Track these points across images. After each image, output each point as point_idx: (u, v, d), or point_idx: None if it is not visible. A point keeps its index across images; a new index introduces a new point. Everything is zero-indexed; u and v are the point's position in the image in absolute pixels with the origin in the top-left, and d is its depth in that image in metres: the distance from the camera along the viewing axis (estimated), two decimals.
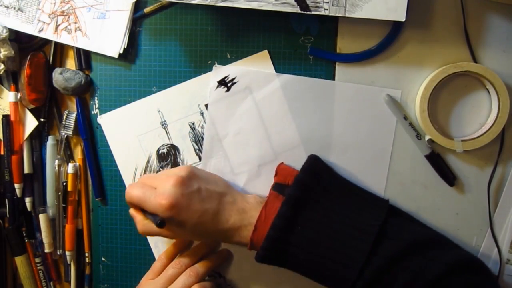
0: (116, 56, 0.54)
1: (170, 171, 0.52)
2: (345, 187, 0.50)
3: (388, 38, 0.50)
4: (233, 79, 0.53)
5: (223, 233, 0.48)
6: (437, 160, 0.51)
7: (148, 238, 0.57)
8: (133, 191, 0.49)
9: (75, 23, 0.53)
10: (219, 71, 0.53)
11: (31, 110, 0.56)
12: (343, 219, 0.46)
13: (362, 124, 0.52)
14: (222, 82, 0.53)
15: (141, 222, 0.49)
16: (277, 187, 0.49)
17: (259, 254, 0.47)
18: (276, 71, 0.53)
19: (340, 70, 0.52)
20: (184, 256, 0.53)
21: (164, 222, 0.46)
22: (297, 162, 0.51)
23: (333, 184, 0.49)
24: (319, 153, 0.51)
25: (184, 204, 0.46)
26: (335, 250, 0.45)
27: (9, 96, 0.55)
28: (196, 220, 0.47)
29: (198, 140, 0.55)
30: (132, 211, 0.51)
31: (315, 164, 0.50)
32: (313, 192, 0.47)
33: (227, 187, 0.51)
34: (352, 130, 0.52)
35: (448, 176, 0.51)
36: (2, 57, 0.52)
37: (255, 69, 0.53)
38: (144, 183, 0.50)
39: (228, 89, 0.53)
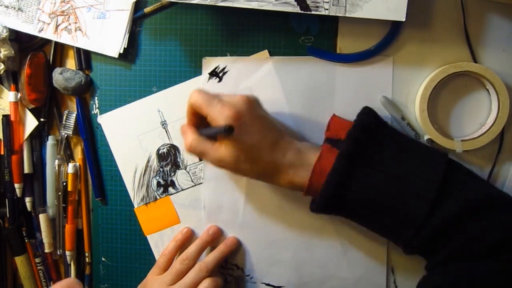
0: (116, 56, 0.54)
1: (235, 94, 0.48)
2: (401, 142, 0.47)
3: (387, 38, 0.50)
4: (223, 68, 0.53)
5: (278, 167, 0.46)
6: None
7: (148, 238, 0.57)
8: (199, 94, 0.46)
9: (75, 23, 0.54)
10: (209, 63, 0.53)
11: (31, 110, 0.56)
12: (401, 175, 0.44)
13: None
14: (213, 73, 0.53)
15: (192, 136, 0.47)
16: (329, 141, 0.47)
17: (317, 201, 0.45)
18: None
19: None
20: (189, 250, 0.53)
21: (232, 128, 0.42)
22: None
23: (388, 139, 0.46)
24: None
25: (248, 121, 0.45)
26: (393, 208, 0.43)
27: (9, 96, 0.55)
28: (254, 141, 0.45)
29: None
30: (184, 127, 0.49)
31: (367, 119, 0.47)
32: (368, 148, 0.45)
33: (284, 129, 0.50)
34: None
35: None
36: (2, 57, 0.52)
37: (244, 56, 0.53)
38: (209, 92, 0.47)
39: (220, 79, 0.53)
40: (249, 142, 0.45)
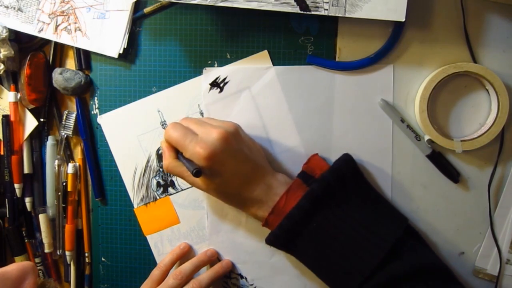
0: (116, 56, 0.54)
1: (217, 121, 0.50)
2: (369, 196, 0.49)
3: (386, 46, 0.50)
4: (224, 79, 0.53)
5: (245, 200, 0.48)
6: (439, 158, 0.51)
7: (148, 238, 0.57)
8: (173, 132, 0.47)
9: (75, 23, 0.54)
10: (210, 74, 0.53)
11: (31, 110, 0.56)
12: (358, 228, 0.45)
13: (361, 128, 0.52)
14: (214, 84, 0.53)
15: (169, 159, 0.48)
16: (303, 176, 0.49)
17: (269, 238, 0.48)
18: None
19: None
20: (184, 266, 0.53)
21: (200, 171, 0.44)
22: (297, 162, 0.52)
23: (357, 191, 0.48)
24: (319, 153, 0.51)
25: (220, 160, 0.45)
26: (343, 257, 0.45)
27: (9, 96, 0.55)
28: (225, 178, 0.46)
29: None
30: (164, 145, 0.50)
31: (344, 166, 0.49)
32: (335, 195, 0.47)
33: (262, 159, 0.50)
34: (352, 135, 0.52)
35: (452, 173, 0.51)
36: (2, 57, 0.52)
37: (244, 66, 0.53)
38: (187, 126, 0.48)
39: (221, 89, 0.53)
40: (219, 178, 0.47)
